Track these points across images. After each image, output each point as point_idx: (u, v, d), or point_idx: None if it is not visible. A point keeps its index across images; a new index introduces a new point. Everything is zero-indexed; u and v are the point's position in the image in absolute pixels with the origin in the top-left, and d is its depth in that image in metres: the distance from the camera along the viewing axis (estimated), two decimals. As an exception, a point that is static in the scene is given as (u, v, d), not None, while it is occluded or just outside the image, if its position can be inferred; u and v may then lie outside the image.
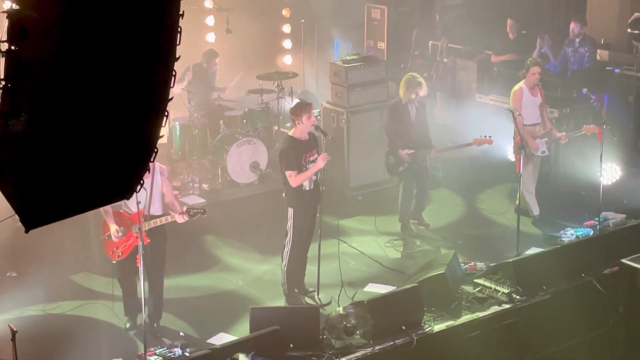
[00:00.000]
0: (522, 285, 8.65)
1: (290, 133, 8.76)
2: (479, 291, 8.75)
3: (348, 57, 12.03)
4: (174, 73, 3.53)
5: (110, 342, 8.18)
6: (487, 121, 11.43)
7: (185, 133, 11.90)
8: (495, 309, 8.52)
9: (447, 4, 16.03)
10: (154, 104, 3.52)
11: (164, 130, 3.69)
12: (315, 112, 10.45)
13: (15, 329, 6.23)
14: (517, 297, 8.60)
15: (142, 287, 7.45)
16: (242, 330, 8.19)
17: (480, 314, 8.43)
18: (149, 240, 7.71)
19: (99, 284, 9.11)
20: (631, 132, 11.80)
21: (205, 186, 11.47)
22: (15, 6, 3.07)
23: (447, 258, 8.90)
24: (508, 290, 8.62)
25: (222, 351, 7.34)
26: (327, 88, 12.28)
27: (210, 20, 14.76)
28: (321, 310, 8.23)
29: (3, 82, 3.12)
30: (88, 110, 3.29)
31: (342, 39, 15.59)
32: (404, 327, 7.99)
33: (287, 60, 15.69)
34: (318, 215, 8.82)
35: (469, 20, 14.91)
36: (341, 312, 7.98)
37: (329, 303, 8.72)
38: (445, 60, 14.31)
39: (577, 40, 12.41)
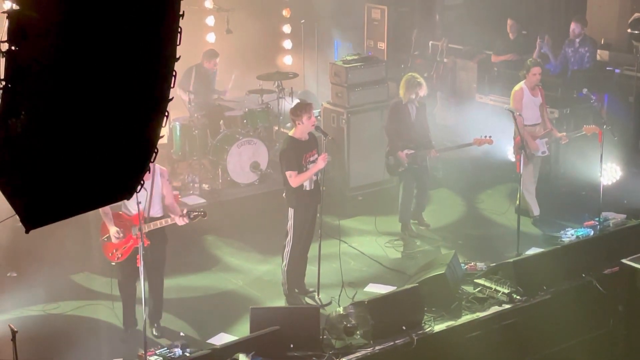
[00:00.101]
0: (523, 286, 8.65)
1: (291, 133, 8.76)
2: (479, 291, 8.75)
3: (348, 57, 12.03)
4: (174, 73, 3.53)
5: (110, 342, 8.18)
6: (487, 121, 11.43)
7: (185, 133, 11.90)
8: (495, 309, 8.52)
9: (447, 4, 16.02)
10: (154, 104, 3.52)
11: (164, 131, 3.69)
12: (316, 112, 10.45)
13: (15, 329, 6.23)
14: (518, 297, 8.60)
15: (142, 287, 7.45)
16: (242, 330, 8.19)
17: (481, 314, 8.43)
18: (148, 242, 7.70)
19: (99, 284, 9.11)
20: (631, 132, 11.79)
21: (205, 186, 11.47)
22: (15, 6, 3.07)
23: (447, 258, 8.90)
24: (508, 291, 8.61)
25: (222, 351, 7.33)
26: (327, 88, 12.28)
27: (210, 21, 14.77)
28: (321, 311, 8.23)
29: (3, 82, 3.12)
30: (88, 110, 3.29)
31: (342, 39, 15.59)
32: (404, 327, 7.99)
33: (288, 60, 15.69)
34: (318, 215, 8.82)
35: (469, 20, 14.90)
36: (341, 312, 7.98)
37: (329, 303, 8.72)
38: (445, 60, 14.31)
39: (577, 40, 12.41)
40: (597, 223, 9.93)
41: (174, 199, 8.29)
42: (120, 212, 8.09)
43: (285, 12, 15.62)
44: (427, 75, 13.53)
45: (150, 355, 7.45)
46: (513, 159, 10.76)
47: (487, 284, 8.78)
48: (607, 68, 12.75)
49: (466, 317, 8.38)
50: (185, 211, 8.04)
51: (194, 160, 11.97)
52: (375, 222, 10.60)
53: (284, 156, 8.60)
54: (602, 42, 13.20)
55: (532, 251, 9.55)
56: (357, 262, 9.78)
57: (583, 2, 13.82)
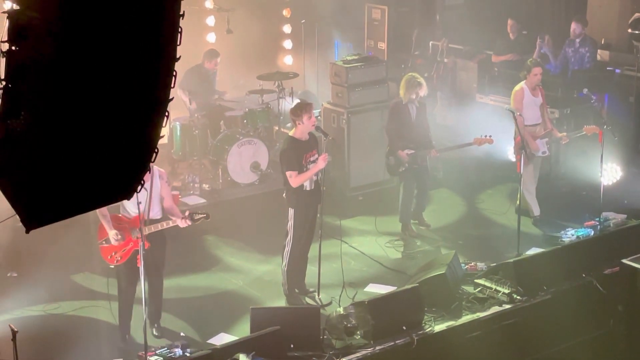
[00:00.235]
0: (523, 286, 8.65)
1: (291, 133, 8.76)
2: (479, 291, 8.75)
3: (348, 58, 12.03)
4: (174, 73, 3.53)
5: (110, 343, 8.18)
6: (487, 121, 11.42)
7: (185, 133, 11.89)
8: (495, 309, 8.53)
9: (448, 4, 16.02)
10: (155, 104, 3.52)
11: (164, 131, 3.69)
12: (316, 112, 10.44)
13: (15, 329, 6.23)
14: (518, 297, 8.60)
15: (142, 287, 7.45)
16: (242, 330, 8.19)
17: (481, 314, 8.43)
18: (149, 245, 7.67)
19: (100, 284, 9.10)
20: (632, 132, 11.79)
21: (205, 186, 11.47)
22: (15, 6, 3.07)
23: (447, 258, 8.91)
24: (509, 291, 8.62)
25: (222, 351, 7.33)
26: (327, 88, 12.27)
27: (210, 21, 14.76)
28: (322, 311, 8.23)
29: (3, 82, 3.12)
30: (88, 110, 3.29)
31: (342, 39, 15.58)
32: (404, 328, 7.99)
33: (288, 60, 15.69)
34: (319, 215, 8.82)
35: (469, 20, 14.90)
36: (342, 313, 7.99)
37: (330, 303, 8.72)
38: (445, 60, 14.30)
39: (578, 40, 12.41)
40: (598, 223, 9.93)
41: (173, 201, 8.25)
42: (119, 215, 8.05)
43: (286, 12, 15.61)
44: (427, 75, 13.52)
45: (151, 355, 7.45)
46: (513, 159, 10.76)
47: (488, 284, 8.78)
48: (608, 68, 12.75)
49: (466, 317, 8.38)
50: (187, 213, 8.00)
51: (194, 160, 11.97)
52: (376, 222, 10.60)
53: (284, 156, 8.60)
54: (603, 42, 13.20)
55: (533, 251, 9.55)
56: (357, 262, 9.78)
57: (583, 2, 13.82)
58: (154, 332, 8.26)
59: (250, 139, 11.60)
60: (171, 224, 7.96)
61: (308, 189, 8.66)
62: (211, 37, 14.77)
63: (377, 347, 7.84)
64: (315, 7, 14.94)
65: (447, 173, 12.06)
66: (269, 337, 7.53)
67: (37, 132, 3.20)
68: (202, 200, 11.07)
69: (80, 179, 3.42)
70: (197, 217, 7.96)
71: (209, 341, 8.12)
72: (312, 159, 8.64)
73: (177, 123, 11.90)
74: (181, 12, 3.45)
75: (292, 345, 7.65)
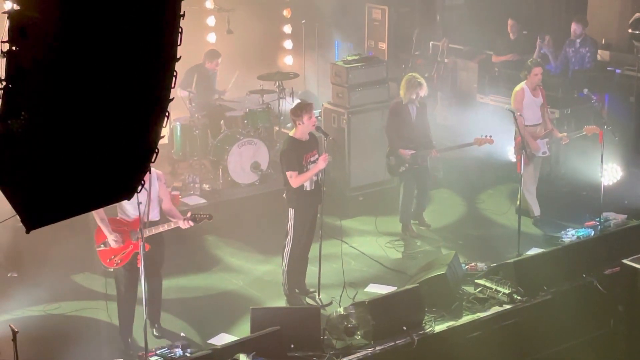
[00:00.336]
0: (523, 286, 8.65)
1: (291, 133, 8.76)
2: (479, 291, 8.74)
3: (349, 58, 12.02)
4: (175, 73, 3.53)
5: (110, 343, 8.18)
6: (488, 121, 11.43)
7: (186, 133, 11.89)
8: (496, 309, 8.53)
9: (448, 4, 16.02)
10: (155, 104, 3.52)
11: (164, 131, 3.69)
12: (316, 112, 10.44)
13: (16, 330, 6.23)
14: (518, 297, 8.60)
15: (142, 287, 7.45)
16: (243, 330, 8.19)
17: (481, 315, 8.43)
18: (149, 247, 7.64)
19: (100, 284, 9.08)
20: (632, 132, 11.79)
21: (206, 186, 11.46)
22: (15, 6, 3.07)
23: (448, 258, 8.90)
24: (509, 291, 8.61)
25: (223, 351, 7.33)
26: (328, 88, 12.27)
27: (211, 21, 14.76)
28: (322, 311, 8.24)
29: (3, 83, 3.12)
30: (88, 110, 3.29)
31: (343, 39, 15.58)
32: (404, 328, 7.99)
33: (288, 60, 15.69)
34: (319, 215, 8.82)
35: (469, 20, 14.89)
36: (342, 313, 7.99)
37: (330, 303, 8.72)
38: (446, 60, 14.30)
39: (578, 40, 12.42)
40: (598, 223, 9.93)
41: (171, 203, 8.23)
42: (118, 218, 8.03)
43: (286, 13, 15.61)
44: (427, 75, 13.52)
45: (151, 356, 7.46)
46: (514, 159, 10.76)
47: (488, 284, 8.78)
48: (608, 68, 12.74)
49: (467, 318, 8.38)
50: (189, 214, 7.97)
51: (195, 161, 11.98)
52: (376, 223, 10.61)
53: (285, 156, 8.60)
54: (603, 42, 13.20)
55: (533, 251, 9.55)
56: (357, 263, 9.78)
57: (584, 2, 13.82)
58: (155, 333, 8.25)
59: (251, 139, 11.60)
60: (172, 225, 7.93)
61: (308, 189, 8.66)
62: (211, 38, 14.77)
63: (378, 348, 7.84)
64: (315, 7, 14.94)
65: (448, 173, 12.06)
66: (269, 337, 7.53)
67: (37, 132, 3.20)
68: (203, 201, 11.07)
69: (80, 179, 3.42)
70: (199, 217, 7.93)
71: (209, 341, 8.12)
72: (312, 159, 8.64)
73: (178, 123, 11.91)
74: (181, 13, 3.45)
75: (292, 346, 7.65)
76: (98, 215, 7.82)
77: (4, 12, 3.12)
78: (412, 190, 10.44)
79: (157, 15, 3.36)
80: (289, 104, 12.24)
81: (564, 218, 10.62)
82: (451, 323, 8.28)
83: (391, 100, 11.11)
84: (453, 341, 8.16)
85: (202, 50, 12.84)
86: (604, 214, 10.02)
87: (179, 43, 3.48)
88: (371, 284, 9.22)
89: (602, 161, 9.87)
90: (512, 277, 8.71)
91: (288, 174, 8.55)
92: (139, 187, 3.66)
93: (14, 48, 3.07)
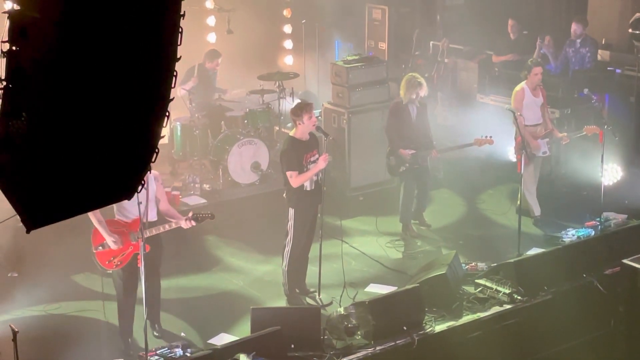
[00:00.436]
0: (524, 286, 8.65)
1: (291, 133, 8.76)
2: (480, 291, 8.74)
3: (349, 58, 12.02)
4: (175, 73, 3.53)
5: (111, 343, 8.18)
6: (488, 122, 11.43)
7: (186, 133, 11.89)
8: (496, 309, 8.52)
9: (448, 4, 16.02)
10: (155, 104, 3.52)
11: (165, 131, 3.69)
12: (317, 112, 10.44)
13: (16, 330, 6.23)
14: (519, 297, 8.59)
15: (142, 287, 7.44)
16: (243, 330, 8.19)
17: (482, 315, 8.43)
18: (149, 248, 7.63)
19: (100, 284, 9.09)
20: (632, 132, 11.79)
21: (206, 186, 11.46)
22: (15, 6, 3.07)
23: (448, 258, 8.90)
24: (509, 291, 8.61)
25: (223, 351, 7.33)
26: (328, 88, 12.27)
27: (211, 21, 14.76)
28: (322, 311, 8.23)
29: (3, 82, 3.12)
30: (89, 110, 3.29)
31: (343, 39, 15.58)
32: (405, 328, 7.99)
33: (288, 60, 15.69)
34: (319, 215, 8.81)
35: (470, 20, 14.89)
36: (342, 313, 7.98)
37: (330, 303, 8.72)
38: (446, 60, 14.30)
39: (578, 40, 12.42)
40: (598, 223, 9.93)
41: (168, 203, 8.21)
42: (116, 219, 8.00)
43: (286, 13, 15.62)
44: (428, 75, 13.52)
45: (151, 356, 7.45)
46: (514, 159, 10.76)
47: (488, 284, 8.77)
48: (608, 68, 12.74)
49: (467, 318, 8.38)
50: (191, 214, 7.96)
51: (195, 161, 11.97)
52: (376, 223, 10.61)
53: (285, 156, 8.59)
54: (603, 42, 13.20)
55: (533, 251, 9.55)
56: (358, 263, 9.78)
57: (584, 2, 13.82)
58: (155, 333, 8.25)
59: (251, 139, 11.59)
60: (174, 225, 7.91)
61: (308, 189, 8.66)
62: (212, 37, 14.77)
63: (378, 348, 7.83)
64: (315, 7, 14.94)
65: (448, 173, 12.06)
66: (270, 337, 7.53)
67: (37, 132, 3.20)
68: (203, 201, 11.07)
69: (81, 179, 3.42)
70: (201, 216, 7.91)
71: (210, 341, 8.12)
72: (312, 159, 8.64)
73: (178, 123, 11.91)
74: (182, 12, 3.45)
75: (292, 346, 7.65)
76: (95, 217, 7.77)
77: (4, 12, 3.12)
78: (413, 190, 10.43)
79: (157, 15, 3.36)
80: (289, 104, 12.24)
81: (565, 218, 10.62)
82: (451, 323, 8.28)
83: (391, 100, 11.11)
84: (453, 341, 8.16)
85: (202, 50, 12.84)
86: (605, 214, 10.02)
87: (179, 43, 3.48)
88: (371, 284, 9.22)
89: (602, 161, 9.87)
90: (512, 277, 8.71)
91: (288, 173, 8.55)
92: (139, 187, 3.66)
93: (14, 48, 3.07)
